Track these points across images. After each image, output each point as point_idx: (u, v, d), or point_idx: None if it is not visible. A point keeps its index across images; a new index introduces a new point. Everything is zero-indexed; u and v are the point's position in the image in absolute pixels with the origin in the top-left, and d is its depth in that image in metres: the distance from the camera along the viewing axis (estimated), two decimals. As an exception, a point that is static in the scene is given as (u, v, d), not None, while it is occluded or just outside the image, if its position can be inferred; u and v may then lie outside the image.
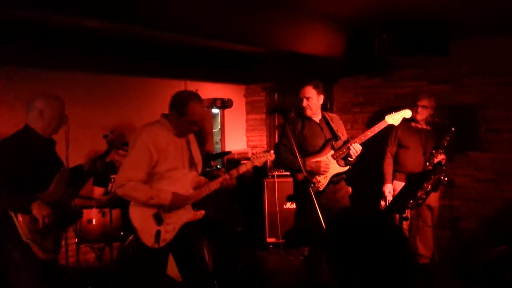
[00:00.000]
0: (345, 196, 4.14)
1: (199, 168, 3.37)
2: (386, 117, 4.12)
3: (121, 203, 4.40)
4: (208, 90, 6.43)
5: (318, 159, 3.99)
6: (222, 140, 6.85)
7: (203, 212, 3.27)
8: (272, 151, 3.52)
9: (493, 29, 4.86)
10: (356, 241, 1.36)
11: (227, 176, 3.23)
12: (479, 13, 4.34)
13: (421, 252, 4.75)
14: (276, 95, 6.93)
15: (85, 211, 4.30)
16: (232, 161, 6.20)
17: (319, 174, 3.95)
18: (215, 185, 3.23)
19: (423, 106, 4.58)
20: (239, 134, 7.22)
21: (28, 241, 2.81)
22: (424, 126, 4.66)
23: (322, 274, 3.93)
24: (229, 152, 6.17)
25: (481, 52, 5.09)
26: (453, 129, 4.43)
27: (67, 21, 4.19)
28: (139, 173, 3.01)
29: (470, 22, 4.68)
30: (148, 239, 3.05)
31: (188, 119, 3.11)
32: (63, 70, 4.99)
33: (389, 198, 4.63)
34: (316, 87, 4.06)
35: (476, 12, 4.31)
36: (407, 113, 4.16)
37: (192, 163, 3.30)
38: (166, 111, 6.01)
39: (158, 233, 3.03)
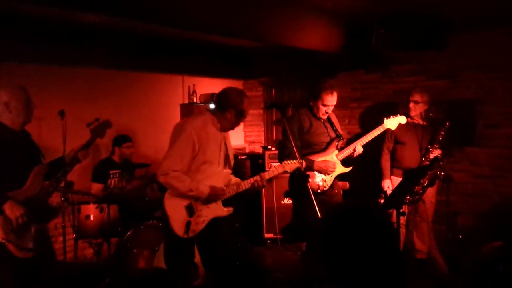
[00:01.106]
0: (339, 191, 4.25)
1: (231, 166, 3.45)
2: (385, 121, 4.30)
3: (119, 199, 4.42)
4: (206, 85, 6.42)
5: (324, 158, 4.01)
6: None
7: (231, 208, 3.35)
8: (302, 161, 3.50)
9: (491, 24, 4.85)
10: (345, 234, 1.37)
11: (258, 178, 3.31)
12: (477, 7, 4.33)
13: (418, 247, 4.77)
14: (273, 90, 6.93)
15: (82, 206, 4.31)
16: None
17: (326, 174, 3.97)
18: (246, 185, 3.33)
19: (415, 102, 4.59)
20: (236, 129, 7.13)
21: (3, 241, 2.78)
22: (420, 122, 4.66)
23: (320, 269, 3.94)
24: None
25: (479, 47, 5.08)
26: (447, 123, 4.43)
27: (64, 15, 4.18)
28: (183, 164, 3.11)
29: (468, 17, 4.68)
30: (178, 229, 3.14)
31: (244, 114, 3.28)
32: (60, 65, 4.96)
33: (389, 192, 4.64)
34: (337, 91, 4.07)
35: (474, 6, 4.30)
36: (402, 119, 4.36)
37: (227, 161, 3.39)
38: (164, 105, 5.99)
39: (188, 224, 3.12)
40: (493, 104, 5.04)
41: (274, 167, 3.45)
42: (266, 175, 3.34)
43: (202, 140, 3.13)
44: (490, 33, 4.98)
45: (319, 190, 3.95)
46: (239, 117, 3.25)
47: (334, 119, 4.27)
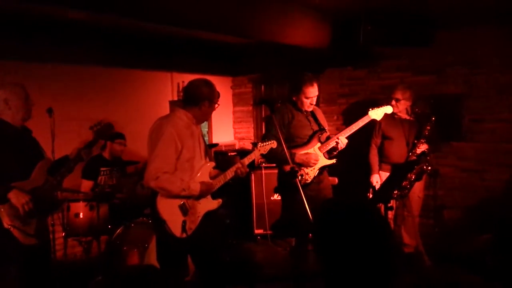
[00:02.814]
0: (327, 186, 4.21)
1: (211, 158, 3.47)
2: (369, 112, 4.26)
3: (109, 197, 4.41)
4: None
5: (306, 151, 4.03)
6: (209, 132, 6.85)
7: (220, 200, 3.36)
8: (273, 140, 3.58)
9: (476, 20, 4.91)
10: (340, 230, 1.39)
11: (239, 165, 3.34)
12: (463, 4, 4.38)
13: (406, 241, 4.83)
14: (262, 86, 6.95)
15: (72, 204, 4.28)
16: (219, 153, 6.20)
17: (308, 166, 4.00)
18: (230, 173, 3.34)
19: (396, 99, 4.63)
20: (226, 126, 7.23)
21: (9, 226, 2.86)
22: (406, 117, 4.71)
23: (308, 264, 3.98)
24: (216, 144, 6.18)
25: (464, 43, 5.14)
26: (433, 118, 4.47)
27: (52, 12, 4.15)
28: (170, 165, 3.06)
29: (454, 13, 4.73)
30: (176, 230, 3.11)
31: (216, 101, 3.26)
32: (48, 62, 4.94)
33: (377, 187, 4.70)
34: (317, 83, 4.10)
35: (460, 3, 4.35)
36: (388, 109, 4.33)
37: (206, 153, 3.39)
38: (152, 102, 5.94)
39: (184, 223, 3.09)
40: (478, 99, 5.10)
41: (252, 153, 3.50)
42: (246, 161, 3.39)
43: (183, 138, 3.10)
44: (476, 29, 5.04)
45: (301, 183, 3.96)
46: (213, 106, 3.24)
47: (319, 113, 4.29)
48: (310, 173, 4.02)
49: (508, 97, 4.92)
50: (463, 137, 5.22)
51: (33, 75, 4.75)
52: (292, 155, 3.96)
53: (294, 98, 4.12)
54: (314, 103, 4.11)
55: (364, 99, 5.92)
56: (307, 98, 4.03)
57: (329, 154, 4.10)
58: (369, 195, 4.76)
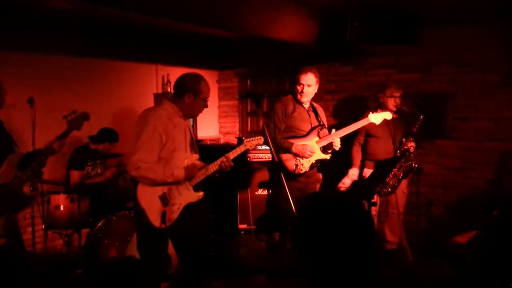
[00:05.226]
0: (314, 181, 4.38)
1: (196, 151, 3.44)
2: (370, 115, 4.34)
3: (91, 190, 4.34)
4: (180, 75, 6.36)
5: (304, 142, 4.14)
6: (195, 126, 6.79)
7: (202, 193, 3.35)
8: (260, 136, 3.56)
9: (463, 19, 4.94)
10: (322, 224, 1.38)
11: (224, 159, 3.32)
12: (450, 3, 4.40)
13: (389, 238, 4.86)
14: (248, 81, 6.92)
15: (52, 196, 4.23)
16: (204, 147, 6.16)
17: (303, 157, 4.09)
18: (214, 167, 3.33)
19: (393, 97, 4.64)
20: (211, 120, 7.18)
21: None
22: (392, 115, 4.71)
23: (292, 258, 3.98)
24: (200, 141, 6.15)
25: (450, 41, 5.16)
26: (421, 117, 4.50)
27: (34, 1, 4.06)
28: (152, 155, 3.07)
29: (441, 12, 4.75)
30: (155, 220, 3.12)
31: (203, 96, 3.21)
32: (30, 52, 4.83)
33: (350, 177, 4.78)
34: (316, 75, 4.20)
35: (446, 2, 4.37)
36: (387, 115, 4.41)
37: (192, 146, 3.39)
38: (137, 95, 5.89)
39: (164, 214, 3.12)
40: (463, 98, 5.14)
41: (238, 147, 3.48)
42: (231, 155, 3.37)
43: (169, 130, 3.11)
44: (462, 28, 5.06)
45: (295, 172, 4.08)
46: (199, 100, 3.21)
47: (320, 111, 4.42)
48: (305, 164, 4.12)
49: (492, 96, 4.96)
50: (447, 135, 5.26)
51: (15, 65, 4.66)
52: (290, 145, 4.10)
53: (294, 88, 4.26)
54: (306, 92, 4.18)
55: (350, 95, 5.93)
56: (299, 84, 4.15)
57: (324, 150, 4.21)
58: (340, 185, 4.80)
